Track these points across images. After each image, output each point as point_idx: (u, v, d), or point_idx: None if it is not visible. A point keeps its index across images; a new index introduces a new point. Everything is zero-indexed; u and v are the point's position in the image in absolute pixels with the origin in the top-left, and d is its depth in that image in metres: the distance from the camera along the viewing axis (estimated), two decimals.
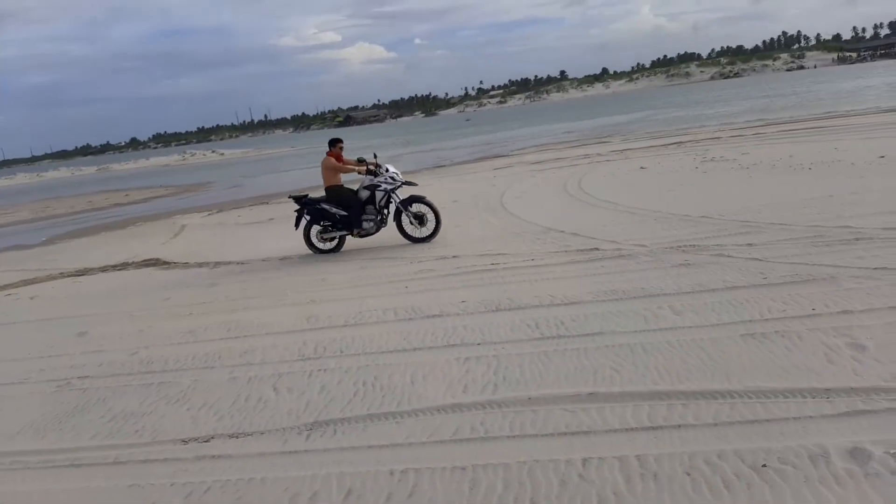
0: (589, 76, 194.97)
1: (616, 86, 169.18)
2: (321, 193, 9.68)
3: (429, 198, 9.58)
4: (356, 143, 62.95)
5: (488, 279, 6.79)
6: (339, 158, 9.57)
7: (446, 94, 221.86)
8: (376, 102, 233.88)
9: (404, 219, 9.45)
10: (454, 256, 8.05)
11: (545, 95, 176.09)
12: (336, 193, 9.50)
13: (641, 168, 14.60)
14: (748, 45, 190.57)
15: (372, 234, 9.48)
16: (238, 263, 9.65)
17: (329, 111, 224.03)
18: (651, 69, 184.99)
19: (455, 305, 6.00)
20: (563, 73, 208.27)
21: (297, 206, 9.65)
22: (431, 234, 9.29)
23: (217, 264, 9.83)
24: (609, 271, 6.49)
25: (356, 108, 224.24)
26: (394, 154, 37.44)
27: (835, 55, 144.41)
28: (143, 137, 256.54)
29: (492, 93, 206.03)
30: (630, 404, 3.78)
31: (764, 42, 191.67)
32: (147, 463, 3.93)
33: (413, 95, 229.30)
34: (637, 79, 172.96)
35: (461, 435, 3.71)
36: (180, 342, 6.14)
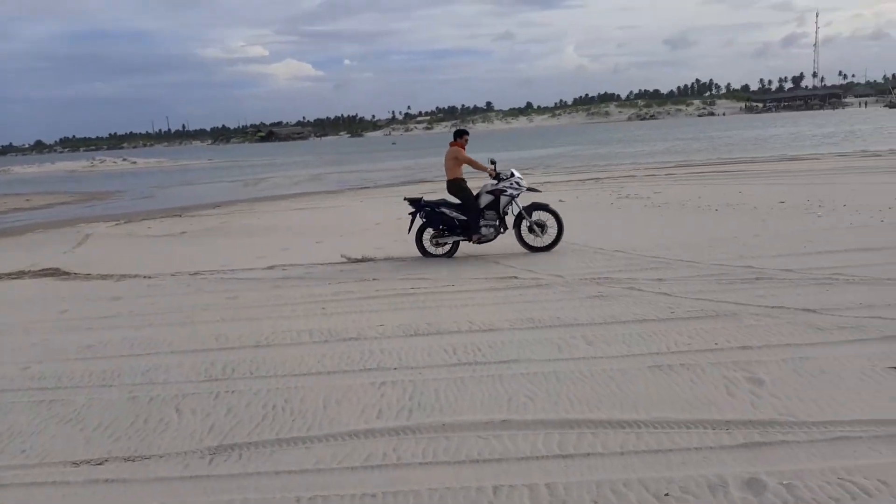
0: (514, 109, 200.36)
1: (539, 120, 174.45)
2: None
3: (553, 205, 9.26)
4: (277, 159, 61.95)
5: (408, 303, 6.76)
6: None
7: (373, 116, 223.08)
8: (301, 120, 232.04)
9: (523, 226, 9.03)
10: (374, 279, 7.98)
11: (471, 125, 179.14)
12: (458, 188, 9.07)
13: (560, 201, 14.98)
14: (664, 90, 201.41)
15: (490, 240, 9.08)
16: (145, 277, 9.22)
17: (251, 125, 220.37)
18: (573, 106, 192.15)
19: (373, 329, 5.93)
20: (489, 104, 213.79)
21: (411, 209, 9.20)
22: (552, 244, 8.92)
23: (122, 277, 9.36)
24: (526, 300, 6.59)
25: (280, 123, 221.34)
26: (317, 172, 37.01)
27: (743, 104, 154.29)
28: (49, 140, 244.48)
29: (419, 118, 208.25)
30: (542, 432, 3.82)
31: (678, 87, 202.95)
32: (33, 486, 3.65)
33: (339, 115, 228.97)
34: (559, 115, 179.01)
35: (373, 461, 3.63)
36: (77, 358, 5.77)
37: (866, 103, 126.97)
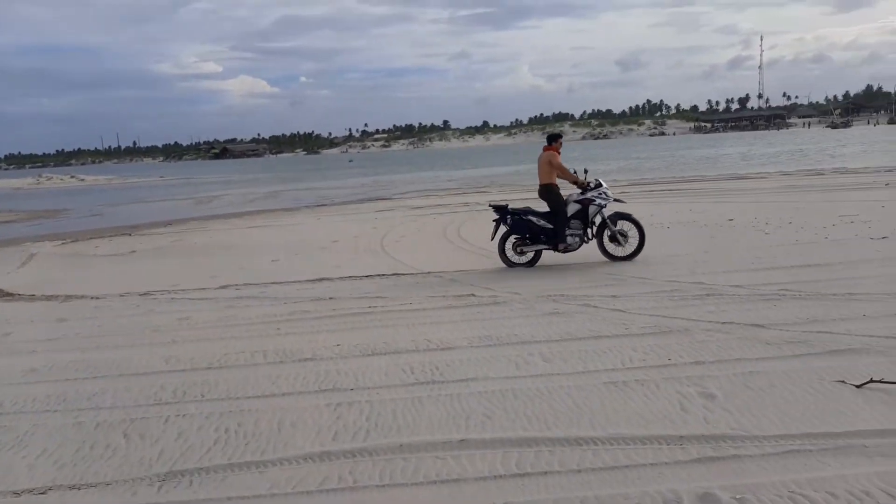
0: (471, 128, 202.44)
1: (495, 139, 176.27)
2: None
3: (635, 215, 9.31)
4: (232, 176, 61.09)
5: (365, 322, 6.70)
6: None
7: (330, 133, 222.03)
8: (256, 137, 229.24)
9: (605, 236, 9.08)
10: (331, 298, 7.88)
11: (428, 143, 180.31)
12: (550, 193, 9.04)
13: None
14: (616, 110, 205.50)
15: (575, 249, 9.05)
16: (92, 298, 8.93)
17: (204, 142, 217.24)
18: (528, 125, 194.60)
19: (329, 349, 5.85)
20: (446, 122, 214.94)
21: (496, 216, 9.08)
22: (633, 254, 9.00)
23: (68, 298, 9.05)
24: (484, 317, 6.60)
25: (234, 140, 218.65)
26: (273, 190, 36.63)
27: (692, 124, 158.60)
28: None
29: (376, 136, 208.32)
30: (500, 451, 3.81)
31: (630, 108, 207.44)
32: None
33: (295, 132, 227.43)
34: (515, 134, 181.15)
35: (328, 485, 3.56)
36: (20, 382, 5.54)
37: (809, 124, 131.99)
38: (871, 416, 3.92)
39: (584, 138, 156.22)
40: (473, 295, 7.55)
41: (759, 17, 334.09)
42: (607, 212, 9.17)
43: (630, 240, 9.06)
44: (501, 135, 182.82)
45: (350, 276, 9.17)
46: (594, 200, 9.01)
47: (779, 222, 11.67)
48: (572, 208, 9.05)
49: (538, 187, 9.22)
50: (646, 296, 7.04)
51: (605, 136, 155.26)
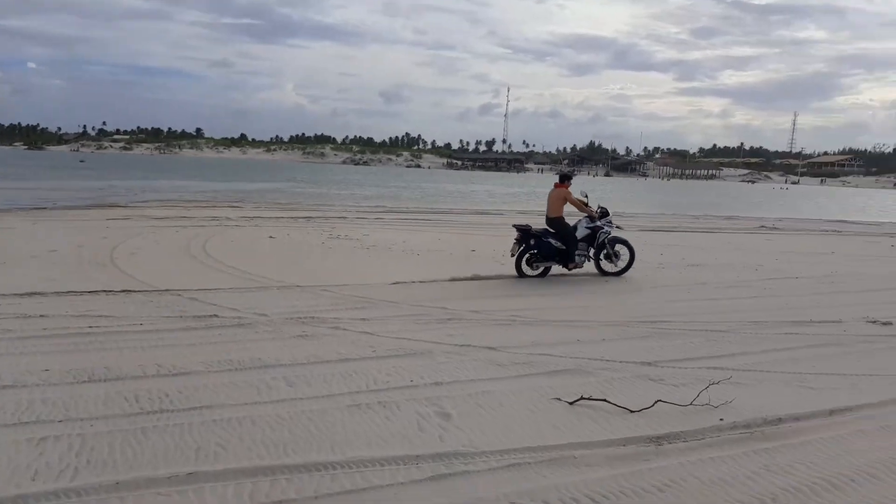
0: (226, 139, 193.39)
1: (253, 153, 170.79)
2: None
3: (630, 241, 11.10)
4: None
5: (83, 344, 5.90)
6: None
7: (59, 129, 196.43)
8: None
9: (602, 255, 10.76)
10: (41, 315, 6.83)
11: (178, 150, 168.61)
12: (561, 225, 10.43)
13: (270, 237, 14.70)
14: (377, 138, 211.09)
15: (580, 267, 10.58)
16: None
17: None
18: (289, 143, 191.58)
19: (34, 374, 5.04)
20: (199, 130, 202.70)
21: (517, 235, 10.29)
22: (622, 271, 10.77)
23: None
24: (226, 340, 6.22)
25: None
26: None
27: (445, 160, 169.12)
28: None
29: (116, 136, 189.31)
30: (232, 482, 3.57)
31: (390, 138, 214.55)
32: None
33: (16, 124, 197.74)
34: (275, 150, 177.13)
35: None
36: None
37: (542, 170, 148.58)
38: (580, 430, 4.41)
39: (344, 162, 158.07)
40: (216, 316, 7.10)
41: (507, 71, 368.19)
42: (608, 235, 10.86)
43: (621, 260, 10.88)
44: (260, 150, 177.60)
45: (69, 292, 8.05)
46: (603, 227, 10.77)
47: None
48: (582, 232, 10.67)
49: (546, 218, 10.66)
50: (394, 319, 7.22)
51: (366, 163, 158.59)
